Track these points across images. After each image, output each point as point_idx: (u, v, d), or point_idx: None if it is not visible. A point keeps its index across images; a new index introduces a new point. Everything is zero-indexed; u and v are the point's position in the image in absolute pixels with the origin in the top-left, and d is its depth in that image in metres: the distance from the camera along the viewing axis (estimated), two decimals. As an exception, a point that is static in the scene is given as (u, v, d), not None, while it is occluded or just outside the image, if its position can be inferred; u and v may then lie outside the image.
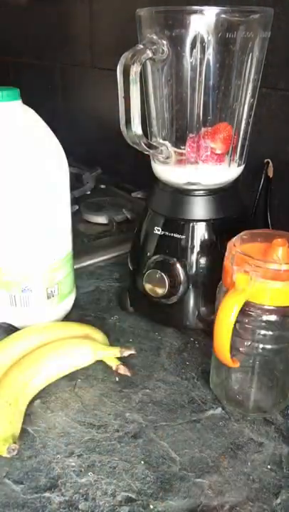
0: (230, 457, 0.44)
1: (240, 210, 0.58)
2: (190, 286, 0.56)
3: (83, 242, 0.81)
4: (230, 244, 0.46)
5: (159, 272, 0.54)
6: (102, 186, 1.05)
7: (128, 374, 0.52)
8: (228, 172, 0.55)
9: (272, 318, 0.44)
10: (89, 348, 0.52)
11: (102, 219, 0.87)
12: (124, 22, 0.92)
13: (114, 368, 0.53)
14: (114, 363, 0.53)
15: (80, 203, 0.92)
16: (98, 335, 0.56)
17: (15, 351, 0.51)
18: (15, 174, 0.51)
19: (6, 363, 0.50)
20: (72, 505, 0.39)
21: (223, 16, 0.47)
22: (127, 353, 0.53)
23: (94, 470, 0.42)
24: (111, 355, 0.53)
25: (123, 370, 0.52)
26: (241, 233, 0.47)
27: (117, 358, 0.54)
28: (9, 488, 0.41)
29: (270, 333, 0.45)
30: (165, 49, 0.49)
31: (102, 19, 1.00)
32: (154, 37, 0.48)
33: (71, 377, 0.52)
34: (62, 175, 0.55)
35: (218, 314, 0.43)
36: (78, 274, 0.72)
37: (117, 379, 0.53)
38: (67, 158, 0.56)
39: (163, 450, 0.44)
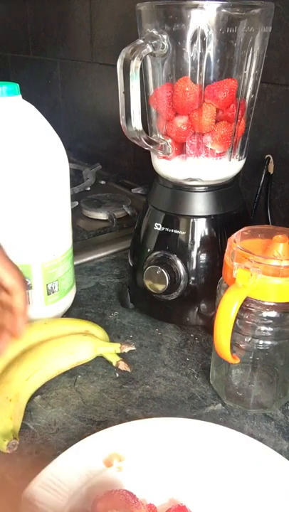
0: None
1: (240, 206, 0.58)
2: (190, 283, 0.56)
3: (83, 238, 0.81)
4: (230, 240, 0.46)
5: (159, 268, 0.54)
6: (102, 182, 1.05)
7: (128, 370, 0.52)
8: (229, 167, 0.55)
9: (273, 314, 0.44)
10: (89, 344, 0.52)
11: (102, 215, 0.87)
12: (125, 17, 0.92)
13: (114, 364, 0.53)
14: (114, 359, 0.53)
15: (80, 199, 0.91)
16: (98, 331, 0.56)
17: (15, 347, 0.51)
18: (14, 170, 0.51)
19: (7, 359, 0.50)
20: (73, 501, 0.39)
21: (223, 10, 0.46)
22: (127, 349, 0.53)
23: (94, 466, 0.42)
24: (111, 351, 0.53)
25: (123, 366, 0.52)
26: (242, 229, 0.47)
27: (118, 354, 0.54)
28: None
29: (271, 329, 0.45)
30: (165, 44, 0.48)
31: (102, 14, 0.99)
32: (155, 32, 0.48)
33: (71, 373, 0.52)
34: (62, 171, 0.55)
35: (219, 310, 0.43)
36: (78, 270, 0.72)
37: (117, 375, 0.53)
38: (67, 153, 0.56)
39: (163, 446, 0.44)
